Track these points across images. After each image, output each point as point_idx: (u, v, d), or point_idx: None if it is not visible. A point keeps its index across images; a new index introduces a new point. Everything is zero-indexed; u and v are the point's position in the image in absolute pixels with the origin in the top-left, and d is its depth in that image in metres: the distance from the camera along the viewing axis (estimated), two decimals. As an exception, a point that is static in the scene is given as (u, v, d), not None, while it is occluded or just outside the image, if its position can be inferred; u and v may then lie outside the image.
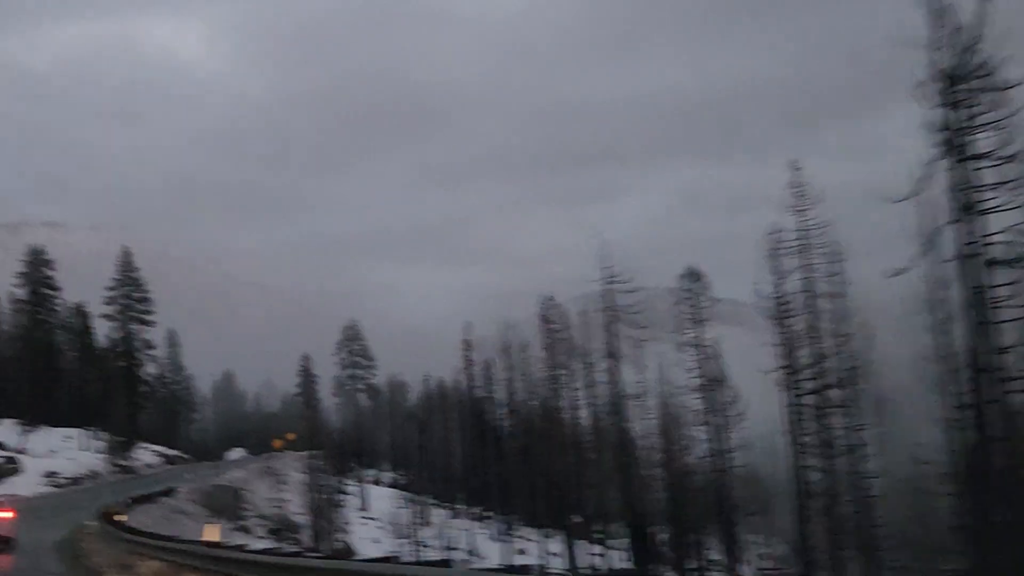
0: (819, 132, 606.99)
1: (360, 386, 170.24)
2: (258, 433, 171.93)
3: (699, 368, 69.67)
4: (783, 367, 52.55)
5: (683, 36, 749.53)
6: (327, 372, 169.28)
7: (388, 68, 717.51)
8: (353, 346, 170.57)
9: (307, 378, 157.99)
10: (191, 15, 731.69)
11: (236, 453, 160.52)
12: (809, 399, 52.88)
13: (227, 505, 75.51)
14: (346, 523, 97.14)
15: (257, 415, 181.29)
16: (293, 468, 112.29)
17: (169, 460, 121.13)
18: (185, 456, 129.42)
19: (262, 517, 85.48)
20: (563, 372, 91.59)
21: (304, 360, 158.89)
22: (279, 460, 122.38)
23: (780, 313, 52.55)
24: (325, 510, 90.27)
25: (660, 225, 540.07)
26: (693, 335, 70.10)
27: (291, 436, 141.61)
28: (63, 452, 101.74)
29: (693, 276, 71.37)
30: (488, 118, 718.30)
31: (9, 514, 42.82)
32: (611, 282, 79.87)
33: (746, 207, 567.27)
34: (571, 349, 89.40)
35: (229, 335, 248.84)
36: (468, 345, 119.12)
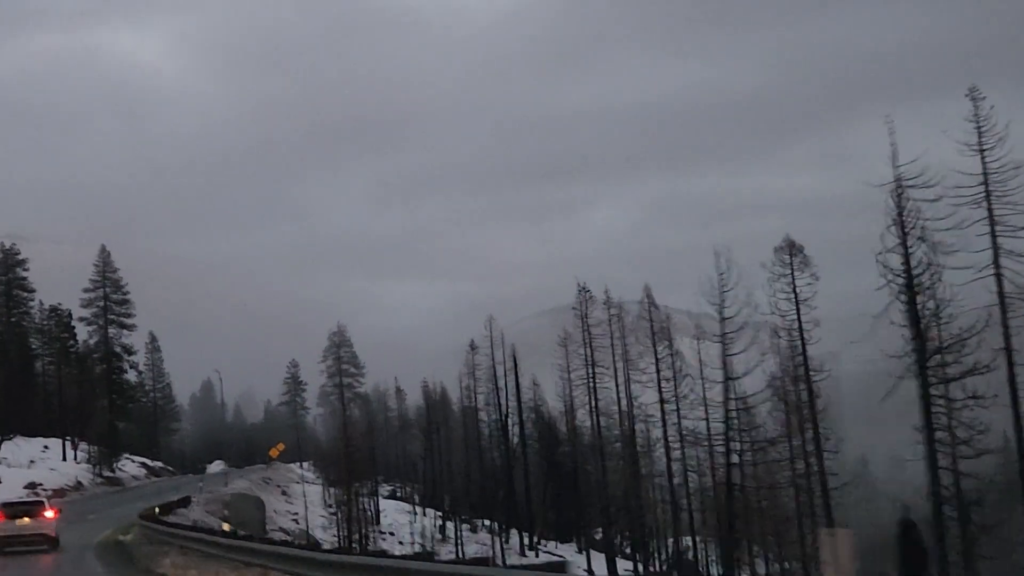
0: (788, 144, 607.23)
1: (349, 395, 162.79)
2: (237, 445, 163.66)
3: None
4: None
5: (650, 49, 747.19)
6: (310, 380, 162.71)
7: (354, 79, 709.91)
8: (341, 352, 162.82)
9: (295, 385, 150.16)
10: (152, 26, 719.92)
11: (216, 466, 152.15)
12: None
13: (252, 516, 67.92)
14: (371, 536, 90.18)
15: (238, 427, 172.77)
16: (292, 479, 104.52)
17: (153, 472, 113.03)
18: (169, 468, 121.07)
19: (283, 530, 77.94)
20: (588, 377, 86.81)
21: (292, 367, 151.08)
22: (275, 471, 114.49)
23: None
24: (355, 523, 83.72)
25: (628, 238, 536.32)
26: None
27: (281, 447, 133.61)
28: (43, 462, 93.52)
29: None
30: (456, 130, 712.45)
31: (53, 513, 42.93)
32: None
33: (716, 219, 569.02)
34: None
35: (203, 344, 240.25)
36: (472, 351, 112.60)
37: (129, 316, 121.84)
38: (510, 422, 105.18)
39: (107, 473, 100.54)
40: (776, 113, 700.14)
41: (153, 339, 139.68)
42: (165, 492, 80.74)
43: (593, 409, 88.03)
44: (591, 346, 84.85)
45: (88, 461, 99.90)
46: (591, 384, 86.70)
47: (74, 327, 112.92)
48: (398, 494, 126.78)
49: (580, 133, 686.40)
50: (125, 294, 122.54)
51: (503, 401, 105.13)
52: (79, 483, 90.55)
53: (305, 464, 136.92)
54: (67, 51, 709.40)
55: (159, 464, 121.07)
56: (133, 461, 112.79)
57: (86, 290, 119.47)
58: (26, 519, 42.01)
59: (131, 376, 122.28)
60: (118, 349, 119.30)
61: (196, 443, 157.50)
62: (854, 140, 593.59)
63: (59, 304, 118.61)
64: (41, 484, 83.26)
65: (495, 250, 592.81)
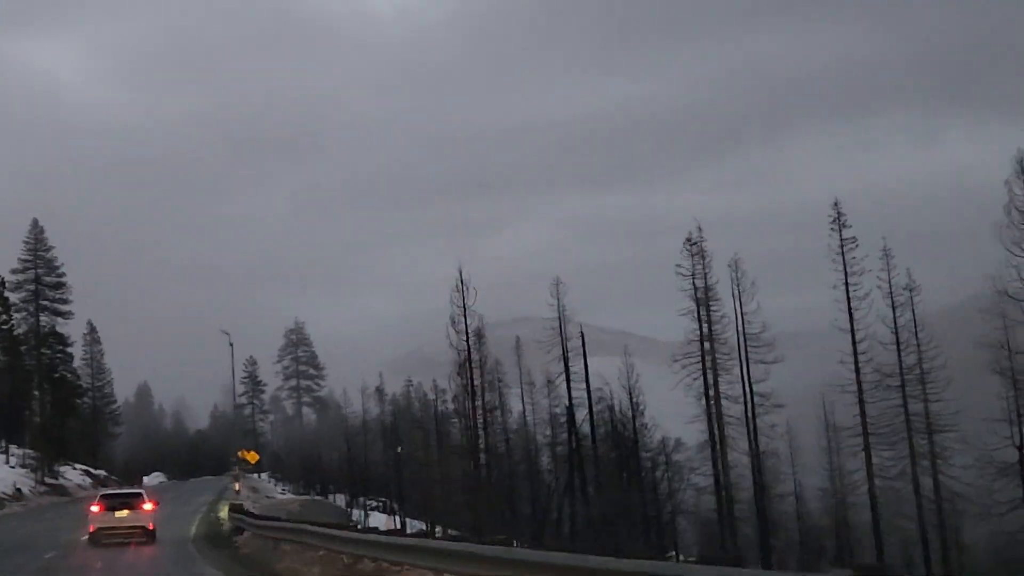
0: (709, 162, 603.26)
1: (308, 398, 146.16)
2: (179, 455, 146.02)
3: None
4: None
5: (574, 66, 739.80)
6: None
7: (275, 90, 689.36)
8: (299, 352, 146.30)
9: (253, 386, 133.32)
10: (69, 39, 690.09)
11: (155, 478, 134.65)
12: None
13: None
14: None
15: (179, 435, 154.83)
16: (270, 491, 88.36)
17: (99, 481, 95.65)
18: (113, 477, 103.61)
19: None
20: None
21: (250, 364, 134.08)
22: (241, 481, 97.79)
23: None
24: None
25: (549, 255, 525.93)
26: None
27: (244, 454, 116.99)
28: (-30, 467, 76.21)
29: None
30: (377, 144, 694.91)
31: (151, 505, 42.23)
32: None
33: (638, 237, 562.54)
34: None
35: (131, 352, 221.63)
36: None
37: (65, 302, 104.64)
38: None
39: (50, 480, 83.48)
40: (701, 131, 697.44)
41: (92, 329, 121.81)
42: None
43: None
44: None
45: (24, 466, 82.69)
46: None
47: (7, 298, 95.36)
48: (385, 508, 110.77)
49: (503, 149, 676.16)
50: (60, 276, 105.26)
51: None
52: (19, 491, 73.69)
53: (263, 475, 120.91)
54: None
55: (103, 472, 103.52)
56: (74, 468, 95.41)
57: (14, 271, 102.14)
58: (125, 511, 41.22)
59: (67, 372, 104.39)
60: (52, 339, 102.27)
61: (133, 451, 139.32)
62: (778, 158, 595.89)
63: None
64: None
65: (417, 265, 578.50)
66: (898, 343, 52.52)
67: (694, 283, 61.93)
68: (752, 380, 59.97)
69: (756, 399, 60.07)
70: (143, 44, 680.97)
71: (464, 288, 63.15)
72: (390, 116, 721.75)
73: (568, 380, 69.68)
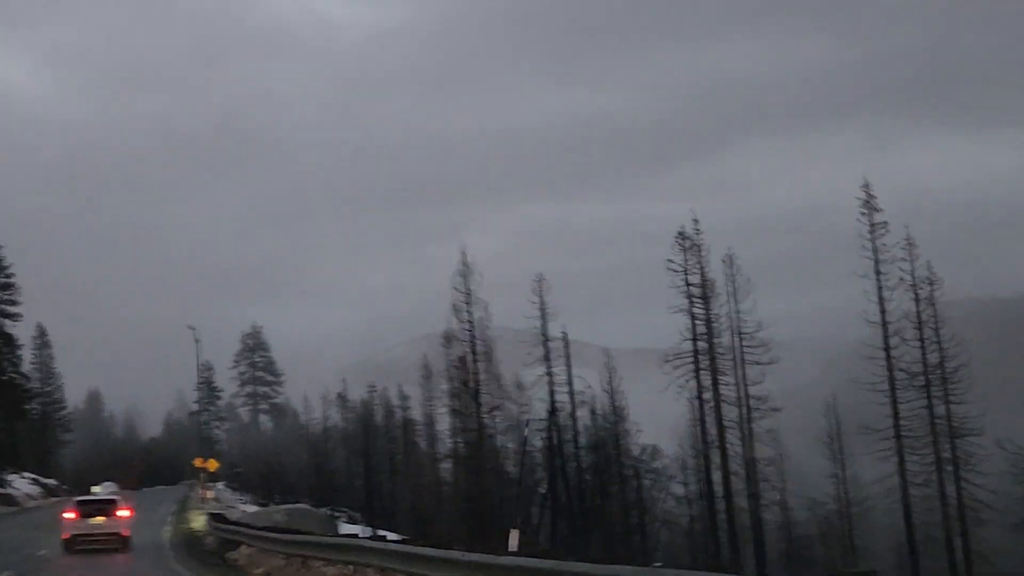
0: (668, 171, 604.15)
1: (265, 405, 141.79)
2: (128, 464, 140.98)
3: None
4: None
5: (532, 75, 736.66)
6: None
7: (225, 98, 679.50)
8: (255, 357, 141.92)
9: (209, 391, 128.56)
10: (20, 44, 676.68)
11: (106, 487, 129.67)
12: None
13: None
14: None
15: (132, 443, 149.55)
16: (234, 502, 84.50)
17: (50, 491, 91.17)
18: (64, 487, 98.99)
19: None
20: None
21: (206, 369, 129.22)
22: (195, 491, 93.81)
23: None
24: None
25: (507, 264, 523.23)
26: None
27: (201, 462, 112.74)
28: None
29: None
30: (331, 152, 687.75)
31: (127, 512, 42.04)
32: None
33: (598, 246, 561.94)
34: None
35: (88, 356, 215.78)
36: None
37: (14, 303, 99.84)
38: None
39: (-1, 490, 79.12)
40: (660, 140, 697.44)
41: (42, 332, 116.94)
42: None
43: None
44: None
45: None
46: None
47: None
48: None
49: (459, 157, 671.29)
50: (9, 276, 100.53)
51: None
52: (-36, 501, 69.28)
53: (220, 484, 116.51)
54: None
55: (53, 481, 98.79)
56: (23, 476, 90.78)
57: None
58: (101, 518, 40.79)
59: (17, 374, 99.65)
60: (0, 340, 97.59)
61: (84, 460, 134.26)
62: (734, 168, 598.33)
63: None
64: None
65: (371, 274, 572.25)
66: (922, 341, 49.92)
67: (687, 279, 59.10)
68: (748, 383, 57.09)
69: (752, 403, 57.20)
70: (95, 50, 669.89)
71: (467, 272, 60.32)
72: (345, 123, 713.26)
73: (551, 381, 66.56)
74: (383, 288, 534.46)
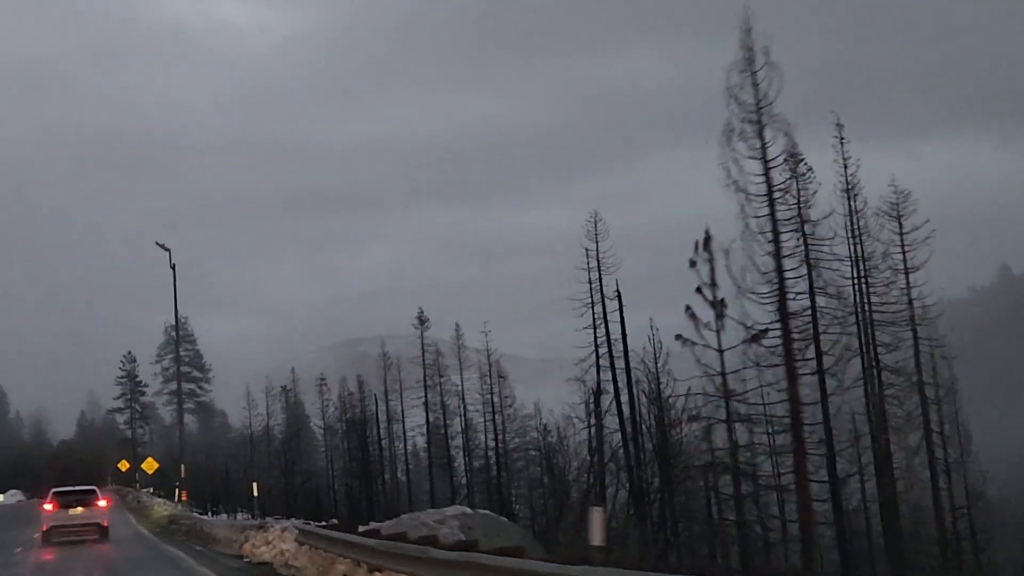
0: (573, 180, 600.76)
1: (191, 404, 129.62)
2: (37, 470, 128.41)
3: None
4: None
5: (435, 83, 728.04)
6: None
7: (124, 106, 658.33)
8: (181, 351, 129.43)
9: (132, 386, 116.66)
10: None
11: (12, 496, 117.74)
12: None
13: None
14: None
15: (40, 446, 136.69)
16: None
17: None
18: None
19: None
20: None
21: (128, 361, 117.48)
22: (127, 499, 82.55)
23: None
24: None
25: (411, 273, 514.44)
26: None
27: (124, 466, 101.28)
28: None
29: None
30: (232, 158, 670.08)
31: (105, 502, 43.70)
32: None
33: (502, 255, 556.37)
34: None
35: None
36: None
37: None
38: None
39: None
40: (563, 150, 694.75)
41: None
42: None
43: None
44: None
45: None
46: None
47: None
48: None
49: (362, 165, 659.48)
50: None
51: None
52: None
53: (143, 490, 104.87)
54: None
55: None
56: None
57: None
58: (79, 508, 41.50)
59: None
60: None
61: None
62: (639, 179, 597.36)
63: None
64: None
65: (276, 283, 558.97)
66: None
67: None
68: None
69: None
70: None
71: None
72: (248, 130, 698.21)
73: (608, 340, 57.26)
74: (288, 296, 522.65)
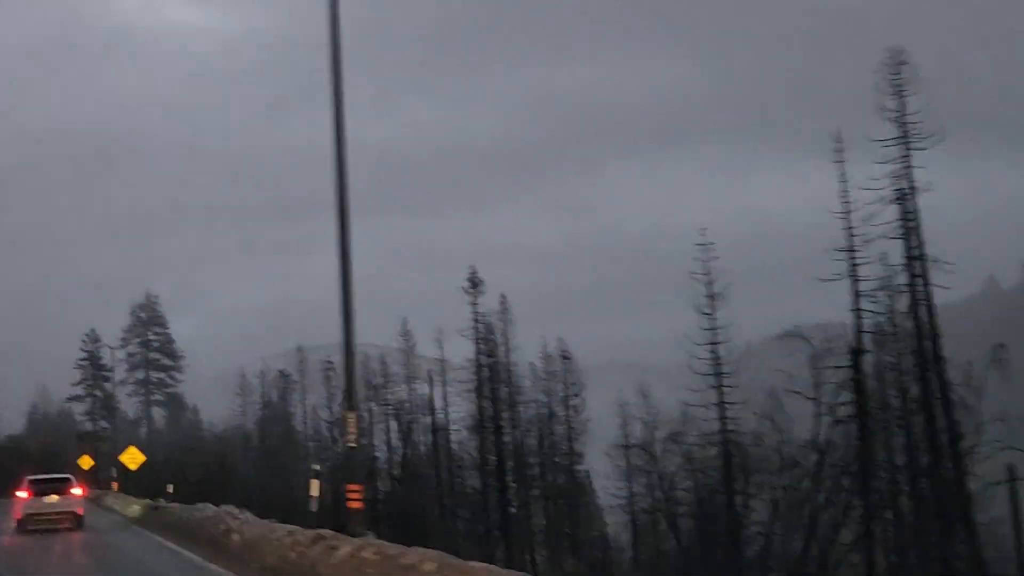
0: (530, 189, 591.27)
1: (160, 395, 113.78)
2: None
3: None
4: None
5: (383, 88, 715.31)
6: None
7: (73, 107, 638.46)
8: (149, 335, 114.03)
9: (95, 370, 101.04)
10: None
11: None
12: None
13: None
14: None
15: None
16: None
17: None
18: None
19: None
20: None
21: (91, 341, 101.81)
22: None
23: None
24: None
25: (367, 281, 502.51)
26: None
27: (86, 463, 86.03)
28: None
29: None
30: (179, 162, 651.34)
31: (80, 490, 43.44)
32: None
33: (458, 263, 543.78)
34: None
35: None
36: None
37: None
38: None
39: None
40: (519, 159, 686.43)
41: None
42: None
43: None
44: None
45: None
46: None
47: None
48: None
49: (313, 170, 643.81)
50: None
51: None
52: None
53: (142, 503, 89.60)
54: None
55: None
56: None
57: None
58: (55, 496, 41.27)
59: None
60: None
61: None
62: (596, 189, 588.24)
63: None
64: None
65: (225, 290, 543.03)
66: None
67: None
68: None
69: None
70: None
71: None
72: (192, 133, 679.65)
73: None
74: (236, 302, 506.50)
